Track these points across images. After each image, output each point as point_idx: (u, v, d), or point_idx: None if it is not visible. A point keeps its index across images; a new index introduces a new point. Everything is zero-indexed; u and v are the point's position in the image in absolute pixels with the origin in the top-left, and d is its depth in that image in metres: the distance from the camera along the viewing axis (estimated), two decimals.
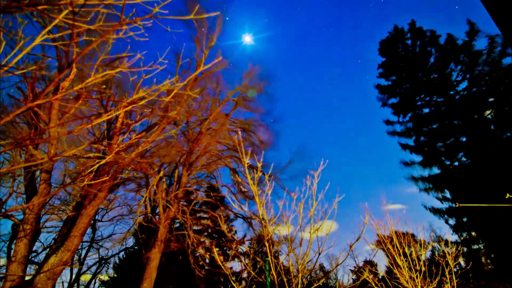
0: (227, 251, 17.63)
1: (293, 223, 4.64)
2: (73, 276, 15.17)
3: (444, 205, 17.42)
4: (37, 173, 6.92)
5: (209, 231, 18.27)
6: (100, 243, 15.91)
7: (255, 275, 4.82)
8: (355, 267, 21.51)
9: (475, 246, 15.63)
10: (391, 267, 7.65)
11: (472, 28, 18.06)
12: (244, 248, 16.91)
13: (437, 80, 18.95)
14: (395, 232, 8.04)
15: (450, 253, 7.90)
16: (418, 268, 7.40)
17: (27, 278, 5.79)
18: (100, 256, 16.48)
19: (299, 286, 4.29)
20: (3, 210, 6.17)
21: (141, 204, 9.39)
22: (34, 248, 9.60)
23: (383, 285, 7.75)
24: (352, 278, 20.47)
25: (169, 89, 2.46)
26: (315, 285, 4.67)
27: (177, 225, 15.34)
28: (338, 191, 4.60)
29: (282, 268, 4.40)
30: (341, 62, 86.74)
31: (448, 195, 17.48)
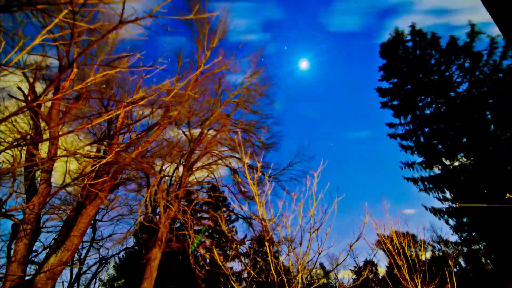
0: (228, 251, 17.62)
1: (293, 223, 4.64)
2: (73, 276, 15.17)
3: (444, 205, 17.43)
4: (38, 173, 6.93)
5: (210, 231, 18.27)
6: (100, 243, 15.92)
7: (255, 275, 4.81)
8: (355, 267, 21.51)
9: (475, 246, 15.61)
10: (391, 267, 7.64)
11: (473, 29, 18.06)
12: (244, 248, 16.92)
13: (438, 81, 18.95)
14: (395, 232, 8.04)
15: (450, 253, 7.89)
16: (418, 268, 7.40)
17: (27, 278, 5.79)
18: (101, 256, 16.49)
19: (299, 286, 4.28)
20: (3, 210, 6.17)
21: (142, 204, 9.39)
22: (34, 248, 9.59)
23: (383, 284, 7.74)
24: (352, 278, 20.45)
25: (169, 89, 2.46)
26: (315, 285, 4.67)
27: (178, 225, 15.34)
28: (338, 191, 4.61)
29: (282, 268, 4.40)
30: (343, 63, 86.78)
31: (448, 195, 17.48)
